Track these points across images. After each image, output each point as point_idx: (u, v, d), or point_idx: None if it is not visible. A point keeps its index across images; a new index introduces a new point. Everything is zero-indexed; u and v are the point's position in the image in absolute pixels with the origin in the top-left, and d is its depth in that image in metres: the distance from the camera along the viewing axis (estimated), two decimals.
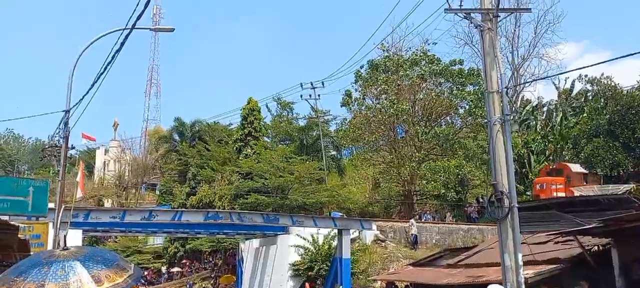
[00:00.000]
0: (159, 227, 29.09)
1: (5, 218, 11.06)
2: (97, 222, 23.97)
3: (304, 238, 29.66)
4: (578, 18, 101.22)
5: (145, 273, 43.75)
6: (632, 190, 27.68)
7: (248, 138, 43.76)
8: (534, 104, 45.42)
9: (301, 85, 46.18)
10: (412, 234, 30.49)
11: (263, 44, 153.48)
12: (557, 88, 46.96)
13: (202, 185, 45.45)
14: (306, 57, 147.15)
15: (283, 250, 30.70)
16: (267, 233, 31.51)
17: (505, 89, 11.94)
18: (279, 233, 30.80)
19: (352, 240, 28.42)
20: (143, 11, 9.34)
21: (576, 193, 27.60)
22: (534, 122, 40.48)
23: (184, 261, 45.53)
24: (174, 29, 21.33)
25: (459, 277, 15.82)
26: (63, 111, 17.11)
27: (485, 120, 12.82)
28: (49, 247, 14.67)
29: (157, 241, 49.19)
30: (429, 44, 44.11)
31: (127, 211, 25.40)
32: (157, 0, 78.18)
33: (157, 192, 60.59)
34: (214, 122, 57.10)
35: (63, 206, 16.39)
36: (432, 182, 36.58)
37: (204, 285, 40.91)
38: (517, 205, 10.84)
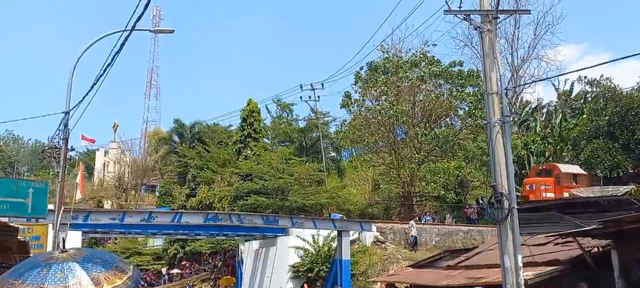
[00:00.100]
0: (159, 229, 29.13)
1: (5, 219, 11.06)
2: (96, 223, 24.01)
3: (304, 240, 29.67)
4: (578, 19, 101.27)
5: (144, 275, 43.73)
6: (632, 191, 27.60)
7: (248, 139, 43.70)
8: (534, 106, 45.44)
9: (301, 87, 46.16)
10: (411, 235, 30.48)
11: (263, 44, 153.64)
12: (556, 89, 46.94)
13: (202, 186, 45.48)
14: (306, 57, 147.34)
15: (283, 251, 30.70)
16: (266, 234, 31.50)
17: (505, 91, 11.95)
18: (278, 234, 30.80)
19: (352, 242, 28.42)
20: (142, 13, 9.37)
21: (565, 195, 27.49)
22: (534, 124, 40.43)
23: (183, 262, 45.54)
24: (174, 30, 21.49)
25: (458, 279, 15.80)
26: (63, 113, 17.12)
27: (485, 122, 12.80)
28: (49, 248, 14.68)
29: (156, 243, 49.20)
30: (428, 46, 44.19)
31: (126, 212, 25.45)
32: (157, 1, 78.40)
33: (157, 194, 60.56)
34: (214, 123, 57.14)
35: (62, 207, 16.38)
36: (432, 184, 36.52)
37: (203, 287, 40.92)
38: (516, 207, 10.84)
